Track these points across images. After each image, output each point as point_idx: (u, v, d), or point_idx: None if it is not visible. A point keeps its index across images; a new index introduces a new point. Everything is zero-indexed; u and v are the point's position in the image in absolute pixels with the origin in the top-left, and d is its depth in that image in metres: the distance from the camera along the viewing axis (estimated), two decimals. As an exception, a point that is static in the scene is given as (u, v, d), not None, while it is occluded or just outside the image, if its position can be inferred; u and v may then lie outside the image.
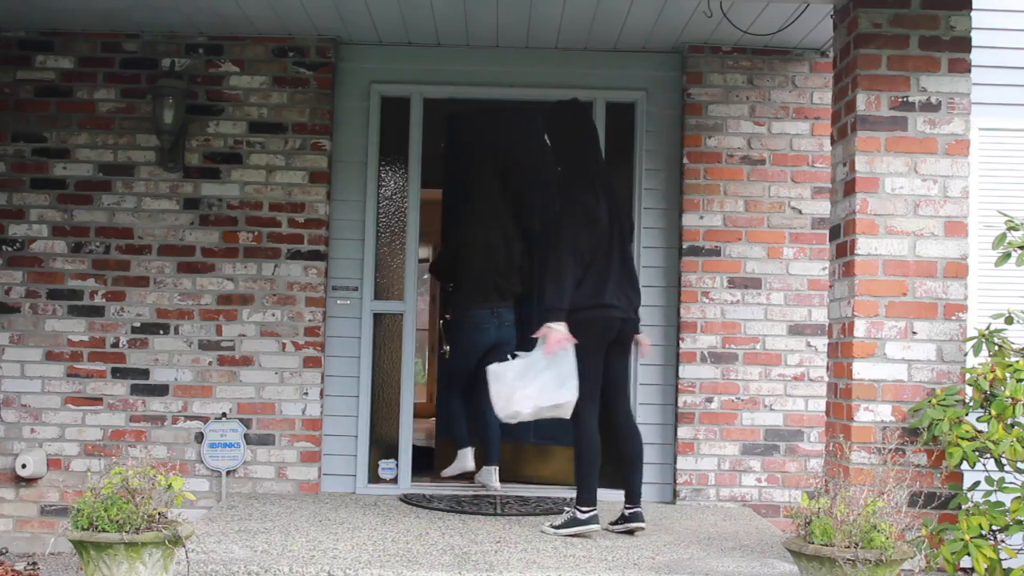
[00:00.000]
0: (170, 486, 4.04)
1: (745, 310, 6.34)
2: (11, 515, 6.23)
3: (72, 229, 6.34)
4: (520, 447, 7.00)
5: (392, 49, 6.55)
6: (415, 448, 6.82)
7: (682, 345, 6.33)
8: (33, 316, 6.31)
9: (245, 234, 6.35)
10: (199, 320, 6.32)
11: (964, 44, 4.91)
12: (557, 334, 5.08)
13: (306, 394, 6.31)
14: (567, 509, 5.34)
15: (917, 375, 4.80)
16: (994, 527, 4.42)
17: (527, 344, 6.95)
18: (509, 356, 5.44)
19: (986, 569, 4.34)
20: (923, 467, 4.72)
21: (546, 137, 5.54)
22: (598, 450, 5.22)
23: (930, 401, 4.64)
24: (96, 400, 6.28)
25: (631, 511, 5.28)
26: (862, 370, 4.79)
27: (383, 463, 6.50)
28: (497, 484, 6.58)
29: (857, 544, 3.89)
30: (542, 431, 6.75)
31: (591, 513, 5.17)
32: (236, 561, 4.37)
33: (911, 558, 4.06)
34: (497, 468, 6.64)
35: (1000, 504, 4.42)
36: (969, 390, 4.67)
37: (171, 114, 6.17)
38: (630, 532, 5.29)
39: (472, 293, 6.91)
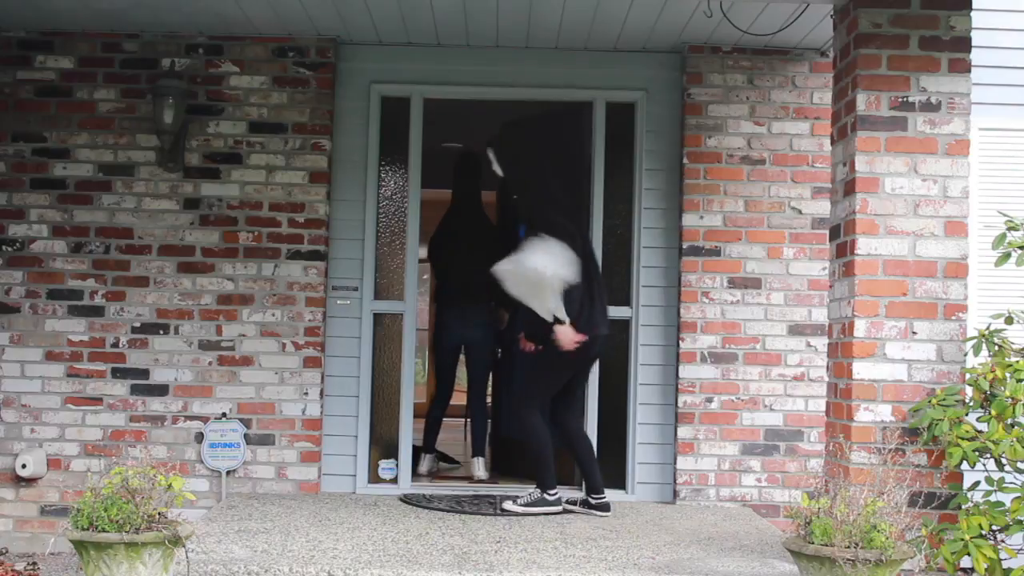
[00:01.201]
0: (170, 486, 4.04)
1: (745, 310, 6.34)
2: (11, 515, 6.23)
3: (72, 229, 6.34)
4: (520, 447, 7.00)
5: (392, 49, 6.55)
6: (415, 448, 6.86)
7: (682, 345, 6.33)
8: (33, 316, 6.31)
9: (245, 234, 6.35)
10: (199, 320, 6.32)
11: (964, 44, 4.91)
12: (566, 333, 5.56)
13: (306, 394, 6.31)
14: (533, 491, 5.77)
15: (917, 375, 4.80)
16: (994, 527, 4.42)
17: (505, 346, 7.18)
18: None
19: (986, 569, 4.34)
20: (923, 467, 4.72)
21: (525, 162, 5.96)
22: (547, 438, 5.73)
23: (930, 401, 4.64)
24: (96, 400, 6.28)
25: (598, 500, 5.78)
26: (862, 370, 4.79)
27: (383, 463, 6.50)
28: (482, 474, 6.99)
29: (857, 544, 3.89)
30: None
31: (556, 495, 5.74)
32: (236, 561, 4.37)
33: (911, 558, 4.06)
34: (482, 459, 7.08)
35: (1000, 504, 4.42)
36: (969, 390, 4.67)
37: (171, 114, 6.17)
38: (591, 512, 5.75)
39: (442, 293, 7.21)
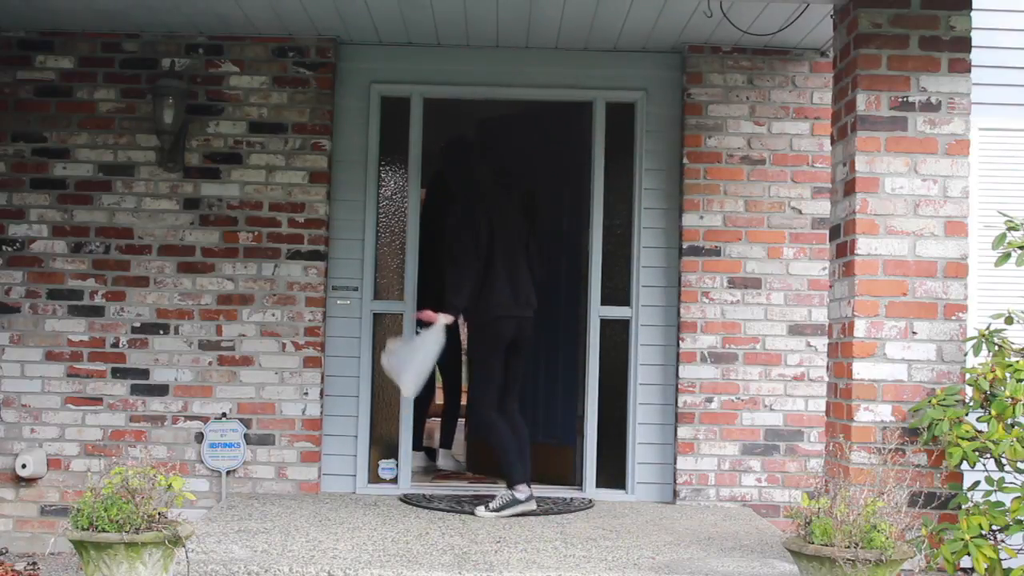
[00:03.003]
0: (170, 486, 4.04)
1: (745, 310, 6.34)
2: (11, 515, 6.23)
3: (72, 229, 6.34)
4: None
5: (392, 49, 6.55)
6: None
7: (682, 345, 6.33)
8: (33, 316, 6.31)
9: (245, 234, 6.35)
10: (199, 320, 6.32)
11: (964, 44, 4.91)
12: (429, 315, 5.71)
13: (306, 394, 6.31)
14: (502, 492, 5.71)
15: (917, 375, 4.80)
16: (994, 527, 4.42)
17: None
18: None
19: (986, 569, 4.34)
20: (923, 467, 4.72)
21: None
22: (506, 433, 5.71)
23: (930, 401, 4.64)
24: (96, 400, 6.28)
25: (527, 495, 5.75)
26: (862, 370, 4.79)
27: (383, 463, 6.50)
28: (442, 464, 7.32)
29: (857, 544, 3.89)
30: (543, 431, 6.75)
31: (527, 493, 5.66)
32: (236, 561, 4.37)
33: (911, 558, 4.06)
34: (443, 450, 7.47)
35: (1000, 504, 4.42)
36: (969, 390, 4.67)
37: (171, 114, 6.17)
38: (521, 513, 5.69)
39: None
